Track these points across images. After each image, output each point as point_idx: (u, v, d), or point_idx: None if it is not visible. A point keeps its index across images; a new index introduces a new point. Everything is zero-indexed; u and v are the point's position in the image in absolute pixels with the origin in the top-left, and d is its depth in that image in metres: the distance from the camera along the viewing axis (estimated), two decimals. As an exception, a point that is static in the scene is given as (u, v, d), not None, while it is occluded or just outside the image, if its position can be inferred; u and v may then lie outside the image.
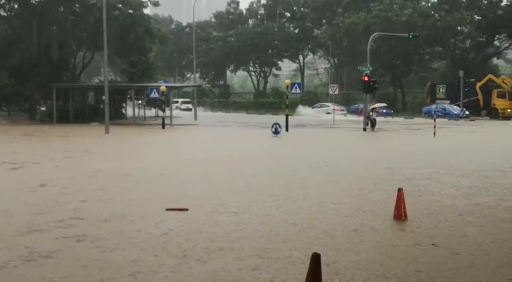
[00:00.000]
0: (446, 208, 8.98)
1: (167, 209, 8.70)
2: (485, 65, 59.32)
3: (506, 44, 60.65)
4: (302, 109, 52.64)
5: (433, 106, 47.62)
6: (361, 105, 44.14)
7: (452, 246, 6.72)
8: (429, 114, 44.72)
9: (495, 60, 65.02)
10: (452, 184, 11.44)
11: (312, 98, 62.53)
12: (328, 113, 48.73)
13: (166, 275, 5.61)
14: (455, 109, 46.02)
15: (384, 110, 49.48)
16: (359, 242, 6.92)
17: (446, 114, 45.36)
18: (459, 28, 56.38)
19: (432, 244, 6.78)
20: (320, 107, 52.73)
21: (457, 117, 44.20)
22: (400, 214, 8.06)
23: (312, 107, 53.69)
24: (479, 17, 57.35)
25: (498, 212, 8.71)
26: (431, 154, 17.78)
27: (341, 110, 50.15)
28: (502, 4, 56.90)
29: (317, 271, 4.26)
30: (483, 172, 13.25)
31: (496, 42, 59.99)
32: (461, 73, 48.02)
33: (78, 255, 6.28)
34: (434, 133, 25.44)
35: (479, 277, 5.66)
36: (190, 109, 56.13)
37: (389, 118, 45.54)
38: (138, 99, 45.24)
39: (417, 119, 44.50)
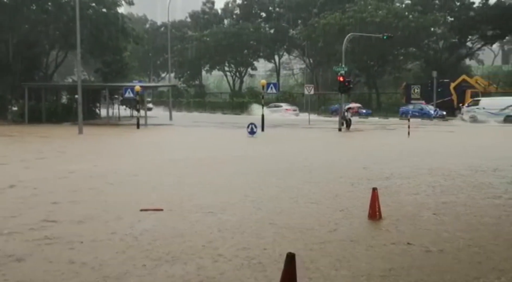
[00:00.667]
0: (421, 207, 9.06)
1: (142, 210, 8.59)
2: (458, 66, 60.24)
3: (478, 45, 61.73)
4: (256, 109, 54.15)
5: (410, 107, 47.91)
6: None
7: (427, 245, 6.75)
8: (406, 115, 45.13)
9: (467, 61, 66.10)
10: (426, 183, 11.53)
11: (287, 99, 62.80)
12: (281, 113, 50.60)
13: (142, 278, 5.51)
14: (432, 109, 46.44)
15: (364, 110, 50.02)
16: (335, 242, 6.92)
17: (424, 114, 45.65)
18: (432, 29, 57.13)
19: (408, 243, 6.81)
20: (274, 107, 54.16)
21: (434, 117, 44.61)
22: (374, 213, 8.10)
23: (267, 107, 54.57)
24: (452, 19, 58.22)
25: (472, 211, 8.80)
26: (406, 153, 17.95)
27: (294, 110, 51.91)
28: (474, 6, 57.84)
29: (292, 271, 4.26)
30: (456, 171, 13.39)
31: (469, 43, 60.98)
32: (434, 73, 48.61)
33: (51, 258, 6.15)
34: (408, 133, 25.69)
35: (453, 275, 5.69)
36: (150, 109, 56.32)
37: (364, 118, 45.91)
38: (112, 99, 44.80)
39: (391, 120, 44.95)
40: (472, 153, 18.32)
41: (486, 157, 16.46)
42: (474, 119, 40.48)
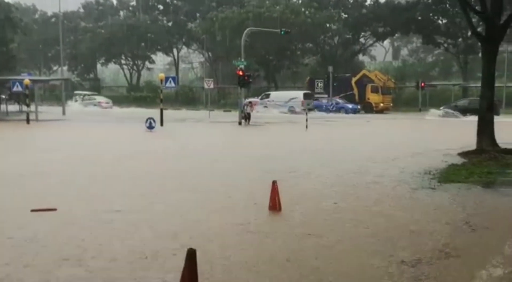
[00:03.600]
0: (322, 197, 9.21)
1: (33, 210, 8.01)
2: (352, 61, 62.69)
3: (371, 42, 64.64)
4: (69, 102, 55.76)
5: (324, 101, 48.27)
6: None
7: (327, 235, 6.85)
8: (320, 109, 45.64)
9: (361, 57, 68.87)
10: (325, 174, 11.79)
11: (187, 93, 62.27)
12: (95, 105, 52.10)
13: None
14: (350, 104, 46.84)
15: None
16: (236, 234, 6.88)
17: (341, 108, 45.94)
18: (328, 25, 58.97)
19: (308, 234, 6.87)
20: (89, 99, 56.30)
21: (353, 112, 44.97)
22: (275, 205, 8.17)
23: (82, 100, 56.76)
24: (346, 15, 60.49)
25: (371, 200, 9.08)
26: (306, 146, 18.36)
27: (107, 103, 54.50)
28: (366, 3, 60.44)
29: (193, 266, 4.24)
30: (356, 161, 13.81)
31: (362, 40, 63.60)
32: (330, 68, 50.09)
33: None
34: (306, 127, 26.27)
35: (350, 263, 5.80)
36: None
37: (262, 113, 46.32)
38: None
39: (290, 114, 45.65)
40: (371, 143, 19.07)
41: (384, 148, 17.19)
42: (266, 110, 45.20)
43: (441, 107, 42.17)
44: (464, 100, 44.20)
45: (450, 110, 40.66)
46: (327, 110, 45.32)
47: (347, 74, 51.84)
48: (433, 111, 41.50)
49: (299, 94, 46.74)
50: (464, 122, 30.87)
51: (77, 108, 49.43)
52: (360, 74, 52.08)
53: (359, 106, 47.09)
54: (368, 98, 49.20)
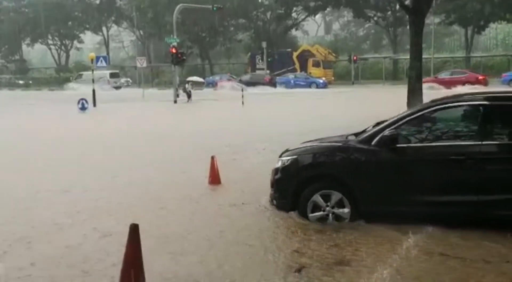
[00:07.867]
0: (258, 171, 9.29)
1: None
2: (285, 36, 62.94)
3: (303, 17, 64.98)
4: None
5: (291, 76, 47.76)
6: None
7: (263, 204, 6.97)
8: (286, 85, 45.37)
9: (294, 32, 69.20)
10: (260, 148, 11.92)
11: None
12: None
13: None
14: (320, 79, 46.83)
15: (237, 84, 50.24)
16: (177, 209, 6.96)
17: (311, 83, 45.73)
18: (259, 0, 58.82)
19: (242, 203, 7.07)
20: None
21: (323, 86, 45.02)
22: (214, 179, 8.30)
23: None
24: (278, -10, 60.40)
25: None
26: (246, 122, 18.47)
27: None
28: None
29: (136, 241, 4.25)
30: (285, 136, 13.98)
31: (294, 14, 63.85)
32: (263, 44, 50.21)
33: None
34: (242, 103, 26.30)
35: (282, 229, 6.01)
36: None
37: (199, 90, 45.92)
38: None
39: (221, 91, 45.42)
40: (309, 117, 19.35)
41: (323, 121, 17.50)
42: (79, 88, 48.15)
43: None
44: (247, 75, 48.03)
45: (238, 84, 43.77)
46: (297, 85, 45.16)
47: (288, 49, 51.96)
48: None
49: (106, 74, 51.31)
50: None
51: None
52: (301, 48, 52.29)
53: (326, 82, 46.70)
54: (310, 73, 49.56)
